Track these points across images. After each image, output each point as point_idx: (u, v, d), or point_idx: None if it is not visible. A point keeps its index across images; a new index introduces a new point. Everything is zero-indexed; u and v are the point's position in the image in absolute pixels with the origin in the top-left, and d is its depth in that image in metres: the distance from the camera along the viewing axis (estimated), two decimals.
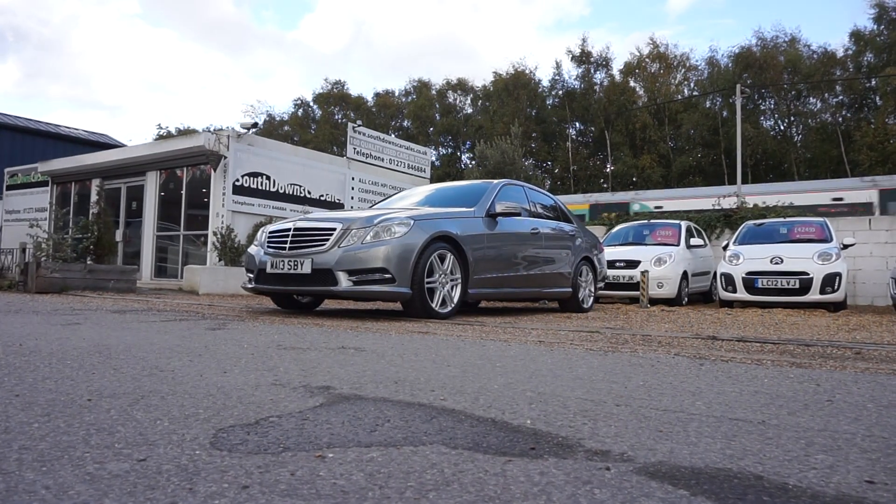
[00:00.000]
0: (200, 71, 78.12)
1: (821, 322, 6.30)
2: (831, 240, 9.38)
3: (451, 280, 5.43)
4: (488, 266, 5.92)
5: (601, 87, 37.72)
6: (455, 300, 5.45)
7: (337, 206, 13.69)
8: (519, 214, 6.33)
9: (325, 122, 46.17)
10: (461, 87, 42.60)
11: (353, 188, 14.09)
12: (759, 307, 8.96)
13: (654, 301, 9.57)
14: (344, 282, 4.93)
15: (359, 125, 14.50)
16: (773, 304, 8.87)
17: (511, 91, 37.98)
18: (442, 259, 5.32)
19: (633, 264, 9.84)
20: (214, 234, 11.23)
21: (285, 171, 12.48)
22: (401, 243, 4.98)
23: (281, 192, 12.40)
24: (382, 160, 14.98)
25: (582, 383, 2.06)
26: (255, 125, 12.22)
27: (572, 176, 37.83)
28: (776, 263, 8.89)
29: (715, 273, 11.87)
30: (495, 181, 6.82)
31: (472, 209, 6.00)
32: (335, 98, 46.48)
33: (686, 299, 10.20)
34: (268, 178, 12.15)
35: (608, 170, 37.86)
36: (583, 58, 37.42)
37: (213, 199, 11.55)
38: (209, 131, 11.48)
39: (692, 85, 37.73)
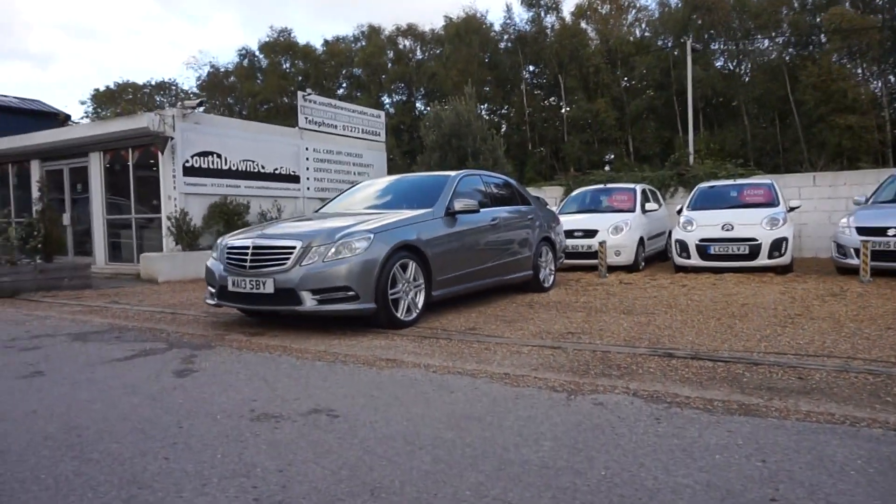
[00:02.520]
0: (131, 15, 73.28)
1: (768, 299, 6.62)
2: (778, 203, 9.73)
3: (415, 286, 5.48)
4: (451, 265, 5.99)
5: (553, 30, 37.15)
6: (419, 306, 5.52)
7: (293, 178, 13.42)
8: (478, 211, 6.36)
9: (273, 72, 44.41)
10: (412, 32, 41.35)
11: (307, 159, 13.80)
12: (712, 272, 9.32)
13: (612, 268, 9.84)
14: (308, 301, 4.93)
15: (309, 94, 14.06)
16: (725, 269, 9.24)
17: (463, 37, 37.08)
18: (404, 268, 5.35)
19: (590, 233, 10.04)
20: (169, 218, 10.93)
21: (237, 148, 12.10)
22: (362, 259, 4.99)
23: (234, 169, 12.06)
24: (336, 127, 14.63)
25: (548, 476, 2.19)
26: (200, 104, 11.72)
27: (528, 121, 37.68)
28: (727, 230, 9.22)
29: (670, 234, 12.25)
30: (452, 174, 6.81)
31: (430, 210, 6.00)
32: (282, 47, 44.56)
33: (643, 264, 10.51)
34: (219, 156, 11.78)
35: (562, 112, 37.81)
36: (532, 1, 36.62)
37: (164, 182, 11.17)
38: (152, 112, 10.98)
39: (644, 26, 37.53)
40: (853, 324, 5.07)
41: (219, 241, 5.87)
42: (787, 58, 30.91)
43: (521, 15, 45.49)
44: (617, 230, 10.02)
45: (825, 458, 2.32)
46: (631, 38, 36.62)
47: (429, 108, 17.27)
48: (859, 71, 30.14)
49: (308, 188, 13.80)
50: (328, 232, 5.15)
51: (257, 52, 46.19)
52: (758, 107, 32.55)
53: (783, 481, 2.13)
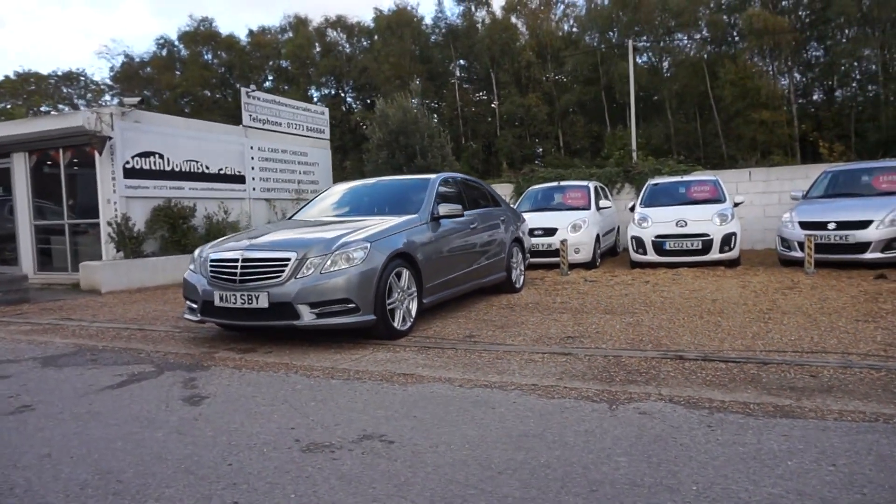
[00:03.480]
0: None
1: (733, 294, 6.97)
2: (725, 199, 10.26)
3: (409, 295, 5.40)
4: (438, 271, 5.94)
5: (483, 25, 37.47)
6: (413, 314, 5.45)
7: (238, 179, 12.90)
8: (462, 216, 6.34)
9: (194, 63, 42.43)
10: (341, 24, 40.54)
11: (252, 158, 13.30)
12: (667, 267, 9.71)
13: (571, 266, 10.06)
14: (306, 315, 4.76)
15: (253, 90, 13.52)
16: (679, 265, 9.65)
17: (394, 30, 36.76)
18: (399, 276, 5.26)
19: (550, 232, 10.23)
20: (109, 223, 10.26)
21: (179, 148, 11.49)
22: (361, 270, 4.86)
23: (177, 170, 11.45)
24: (280, 125, 14.17)
25: (645, 495, 2.22)
26: (141, 101, 11.04)
27: (461, 116, 37.88)
28: (681, 226, 9.62)
29: (618, 230, 12.66)
30: (431, 177, 6.74)
31: (415, 215, 5.92)
32: (203, 37, 42.62)
33: (599, 260, 10.81)
34: (161, 156, 11.14)
35: (493, 105, 38.25)
36: None
37: (102, 185, 10.46)
38: (88, 109, 10.23)
39: (571, 21, 38.50)
40: (824, 317, 5.41)
41: (197, 252, 5.56)
42: (706, 55, 32.53)
43: (453, 9, 45.52)
44: (575, 228, 10.25)
45: (887, 458, 2.47)
46: (560, 34, 37.46)
47: (375, 104, 16.99)
48: (771, 69, 32.19)
49: (254, 188, 13.32)
50: (324, 242, 4.98)
51: (177, 42, 44.02)
52: (679, 102, 34.13)
53: (864, 485, 2.24)
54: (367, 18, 41.82)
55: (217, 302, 4.98)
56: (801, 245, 8.73)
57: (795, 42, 30.18)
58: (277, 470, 2.60)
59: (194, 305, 5.27)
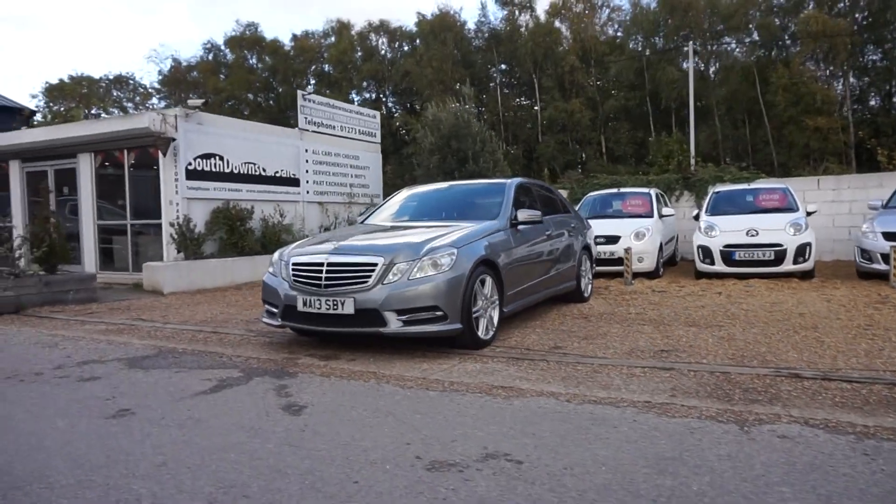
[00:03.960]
0: (68, 4, 69.73)
1: (819, 308, 6.63)
2: (797, 208, 9.84)
3: (491, 303, 5.25)
4: (517, 279, 5.78)
5: (527, 29, 37.19)
6: (495, 323, 5.29)
7: (293, 181, 12.95)
8: (541, 222, 6.16)
9: (239, 67, 43.16)
10: (384, 29, 40.74)
11: (307, 161, 13.34)
12: (736, 278, 9.36)
13: (634, 275, 9.78)
14: (393, 322, 4.64)
15: (309, 93, 13.58)
16: (749, 276, 9.29)
17: (437, 34, 36.75)
18: (483, 284, 5.11)
19: (613, 240, 9.96)
20: (171, 224, 10.37)
21: (238, 150, 11.59)
22: (449, 277, 4.72)
23: (236, 172, 11.54)
24: (334, 128, 14.20)
25: None
26: (205, 102, 11.16)
27: (502, 121, 37.65)
28: (752, 236, 9.26)
29: (676, 238, 12.31)
30: (507, 182, 6.58)
31: (495, 221, 5.76)
32: (248, 42, 43.32)
33: (662, 270, 10.50)
34: (221, 158, 11.24)
35: (535, 110, 37.95)
36: None
37: (165, 186, 10.59)
38: (153, 110, 10.38)
39: (616, 26, 37.97)
40: None
41: (277, 255, 5.51)
42: (756, 59, 31.67)
43: (496, 13, 45.26)
44: (639, 236, 9.97)
45: None
46: (604, 38, 36.98)
47: (416, 108, 16.96)
48: (826, 74, 31.16)
49: (307, 191, 13.36)
50: (411, 247, 4.86)
51: (223, 47, 44.86)
52: (728, 108, 33.29)
53: None
54: (409, 23, 41.88)
55: (300, 307, 4.90)
56: (885, 257, 8.31)
57: (852, 45, 29.13)
58: (409, 490, 2.46)
59: (274, 310, 5.20)
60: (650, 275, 10.06)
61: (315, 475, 2.63)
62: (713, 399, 3.53)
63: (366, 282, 4.71)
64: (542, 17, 37.45)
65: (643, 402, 3.51)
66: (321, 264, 4.88)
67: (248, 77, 42.16)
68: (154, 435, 3.19)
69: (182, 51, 79.24)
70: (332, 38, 42.55)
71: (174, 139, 10.35)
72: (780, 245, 9.08)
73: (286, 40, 45.24)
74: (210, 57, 44.84)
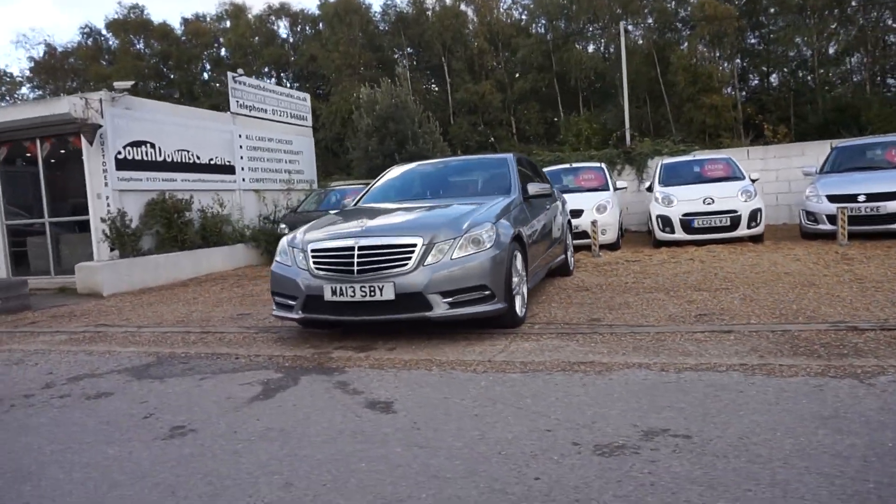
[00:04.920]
0: None
1: (794, 267, 6.98)
2: (743, 176, 10.36)
3: (522, 280, 5.05)
4: (535, 254, 5.63)
5: (433, 12, 36.97)
6: (526, 300, 5.10)
7: (228, 169, 12.04)
8: (550, 195, 6.02)
9: (125, 52, 39.80)
10: (285, 12, 38.99)
11: (241, 146, 12.45)
12: (695, 245, 9.71)
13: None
14: (439, 305, 4.32)
15: (240, 74, 12.63)
16: (707, 242, 9.67)
17: (343, 17, 35.66)
18: (514, 259, 4.90)
19: (577, 213, 10.00)
20: (103, 220, 9.30)
21: (170, 136, 10.58)
22: (493, 254, 4.46)
23: (169, 160, 10.54)
24: (266, 111, 13.34)
25: None
26: (134, 85, 10.05)
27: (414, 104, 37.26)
28: (708, 204, 9.63)
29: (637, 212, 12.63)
30: (506, 156, 6.38)
31: (510, 195, 5.55)
32: (133, 26, 40.01)
33: (620, 241, 10.73)
34: (152, 145, 10.21)
35: (447, 94, 37.88)
36: None
37: (91, 178, 9.47)
38: (75, 94, 9.22)
39: (520, 9, 38.57)
40: None
41: (286, 242, 4.99)
42: (654, 42, 33.30)
43: None
44: (600, 209, 10.10)
45: None
46: (509, 21, 37.43)
47: (323, 94, 16.35)
48: (717, 55, 33.29)
49: (244, 179, 12.49)
50: (452, 224, 4.54)
51: (104, 31, 41.16)
52: (631, 88, 34.81)
53: None
54: (311, 6, 40.28)
55: (328, 296, 4.45)
56: (830, 218, 8.91)
57: (739, 29, 31.31)
58: (601, 477, 2.22)
59: (291, 302, 4.70)
60: (611, 247, 10.23)
61: (482, 476, 2.32)
62: (804, 357, 3.53)
63: (405, 264, 4.35)
64: (449, 0, 37.31)
65: (740, 365, 3.45)
66: (351, 248, 4.45)
67: (135, 63, 38.96)
68: (245, 453, 2.73)
69: (56, 35, 71.97)
70: (228, 22, 40.19)
71: (100, 126, 9.24)
72: (735, 211, 9.51)
73: (176, 24, 42.21)
74: (90, 42, 41.01)
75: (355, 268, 4.40)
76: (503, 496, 2.16)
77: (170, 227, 10.15)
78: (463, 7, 37.49)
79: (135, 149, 9.84)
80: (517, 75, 37.16)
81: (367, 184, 12.81)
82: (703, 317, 4.76)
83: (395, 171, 6.70)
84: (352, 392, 3.50)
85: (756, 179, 10.38)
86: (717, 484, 2.12)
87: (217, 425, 3.10)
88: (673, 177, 10.79)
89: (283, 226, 11.40)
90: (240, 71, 12.68)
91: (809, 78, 32.85)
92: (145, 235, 9.91)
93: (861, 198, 8.76)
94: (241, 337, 5.25)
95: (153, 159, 10.19)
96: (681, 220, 9.71)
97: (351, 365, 4.09)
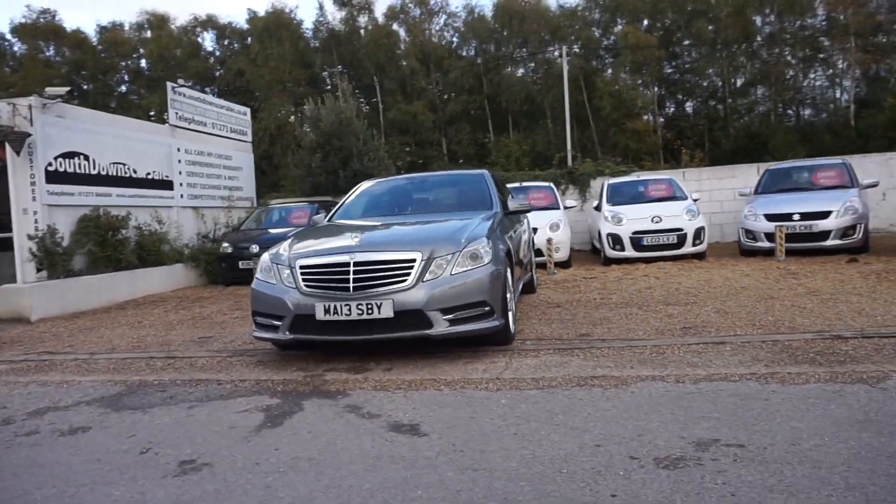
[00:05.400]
0: None
1: (745, 282, 7.33)
2: (685, 196, 10.85)
3: (512, 295, 5.01)
4: (517, 269, 5.60)
5: (366, 31, 36.92)
6: (515, 315, 5.06)
7: (166, 184, 11.40)
8: (529, 211, 6.04)
9: (32, 59, 37.22)
10: (212, 24, 37.79)
11: (179, 161, 11.84)
12: (643, 262, 10.04)
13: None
14: (440, 323, 4.19)
15: (180, 85, 12.03)
16: (656, 259, 10.02)
17: (273, 32, 34.96)
18: (507, 275, 4.85)
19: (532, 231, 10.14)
20: (30, 237, 8.54)
21: (106, 148, 9.90)
22: (491, 270, 4.39)
23: (104, 174, 9.85)
24: (205, 125, 12.77)
25: None
26: (69, 91, 9.35)
27: None
28: (656, 222, 10.01)
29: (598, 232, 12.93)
30: (479, 172, 6.39)
31: (494, 211, 5.52)
32: (43, 31, 37.54)
33: (570, 259, 10.93)
34: (86, 157, 9.52)
35: (380, 113, 37.80)
36: (345, 0, 36.05)
37: (17, 192, 8.69)
38: (1, 100, 8.46)
39: (452, 31, 39.16)
40: (869, 296, 5.81)
41: (268, 258, 4.71)
42: (582, 67, 34.69)
43: (334, 13, 43.75)
44: (554, 227, 10.26)
45: None
46: (443, 43, 37.94)
47: (305, 106, 15.99)
48: (639, 81, 35.03)
49: (182, 195, 11.87)
50: (451, 239, 4.44)
51: (8, 35, 38.39)
52: (559, 111, 36.03)
53: None
54: (240, 20, 39.18)
55: (320, 315, 4.22)
56: (769, 235, 9.46)
57: (659, 59, 33.16)
58: (675, 491, 2.18)
59: (277, 322, 4.43)
60: (563, 264, 10.40)
61: (554, 497, 2.23)
62: (806, 364, 3.67)
63: (404, 280, 4.20)
64: (381, 19, 37.43)
65: (751, 374, 3.53)
66: (346, 264, 4.26)
67: (45, 71, 36.43)
68: (278, 486, 2.50)
69: None
70: (149, 32, 38.49)
71: (29, 134, 8.52)
72: (681, 230, 9.93)
73: (92, 32, 39.97)
74: None
75: (351, 284, 4.21)
76: None
77: (104, 245, 9.46)
78: (395, 27, 37.66)
79: (67, 160, 9.14)
80: (446, 97, 37.66)
81: (313, 202, 12.57)
82: (688, 329, 4.88)
83: (366, 186, 6.52)
84: (367, 416, 3.31)
85: (697, 199, 10.90)
86: (796, 491, 2.12)
87: (232, 458, 2.84)
88: (619, 196, 11.15)
89: (225, 244, 10.88)
90: (180, 81, 12.09)
91: (721, 107, 35.15)
92: (77, 254, 9.18)
93: (796, 217, 9.35)
94: (215, 361, 4.90)
95: (87, 172, 9.49)
96: (631, 238, 10.01)
97: (352, 387, 3.89)
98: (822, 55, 34.05)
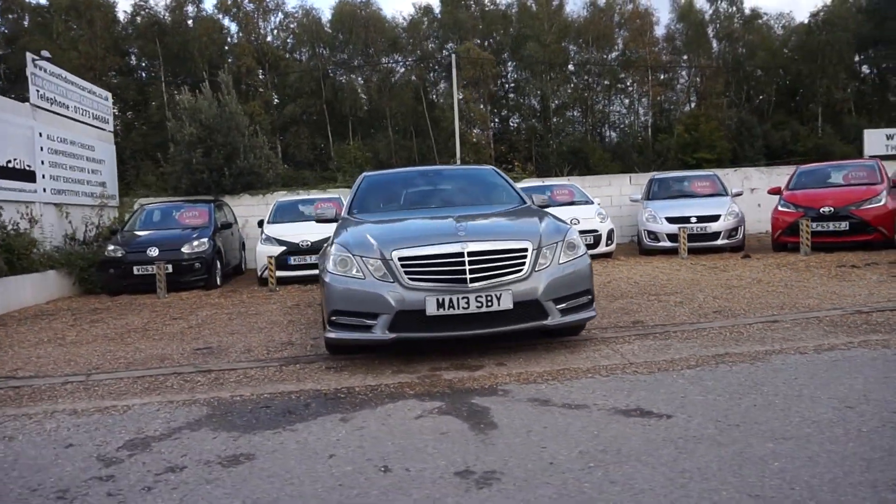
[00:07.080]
0: None
1: (684, 277, 8.19)
2: (592, 201, 11.75)
3: None
4: None
5: (194, 20, 34.00)
6: None
7: (28, 175, 9.47)
8: (548, 206, 6.12)
9: None
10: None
11: (42, 148, 9.90)
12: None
13: None
14: (554, 313, 4.10)
15: (42, 58, 10.01)
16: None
17: (82, 12, 30.55)
18: None
19: None
20: None
21: None
22: (588, 259, 4.42)
23: None
24: (68, 108, 10.84)
25: None
26: None
27: (169, 120, 33.51)
28: (574, 224, 10.63)
29: None
30: (487, 167, 6.36)
31: (528, 205, 5.53)
32: None
33: None
34: None
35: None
36: None
37: None
38: None
39: (287, 31, 37.65)
40: (822, 284, 6.87)
41: (342, 247, 4.20)
42: (422, 80, 35.61)
43: (158, 2, 39.22)
44: None
45: None
46: (277, 43, 36.31)
47: (178, 97, 14.21)
48: (476, 95, 36.88)
49: (45, 189, 9.94)
50: (553, 227, 4.36)
51: None
52: (400, 120, 36.51)
53: None
54: None
55: (431, 310, 3.89)
56: (671, 236, 10.64)
57: (494, 76, 35.33)
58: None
59: (370, 322, 3.97)
60: None
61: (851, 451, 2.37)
62: (876, 333, 4.25)
63: (520, 270, 4.05)
64: (212, 11, 34.76)
65: (848, 343, 4.02)
66: (459, 254, 3.97)
67: None
68: (617, 481, 2.30)
69: None
70: None
71: None
72: (596, 231, 10.74)
73: None
74: None
75: (468, 276, 3.95)
76: None
77: None
78: (227, 22, 35.25)
79: None
80: (277, 101, 36.18)
81: (192, 200, 11.27)
82: (719, 314, 5.34)
83: (368, 180, 6.01)
84: (576, 406, 3.15)
85: (599, 203, 11.86)
86: None
87: (518, 466, 2.53)
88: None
89: (112, 247, 9.30)
90: (44, 53, 10.09)
91: (542, 125, 38.49)
92: None
93: (693, 219, 10.65)
94: (281, 371, 4.23)
95: None
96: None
97: (500, 382, 3.66)
98: (620, 85, 39.07)
